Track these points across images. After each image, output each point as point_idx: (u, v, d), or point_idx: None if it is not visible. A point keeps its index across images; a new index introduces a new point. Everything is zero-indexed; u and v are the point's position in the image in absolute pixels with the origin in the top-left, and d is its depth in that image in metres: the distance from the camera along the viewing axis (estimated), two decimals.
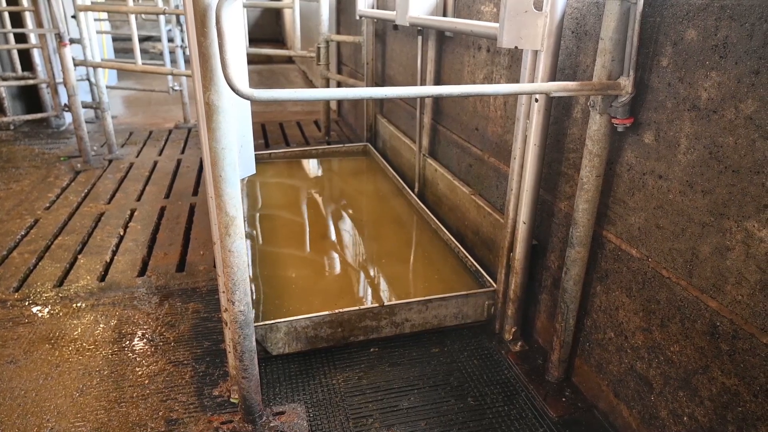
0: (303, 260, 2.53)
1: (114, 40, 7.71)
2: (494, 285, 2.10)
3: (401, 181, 3.31)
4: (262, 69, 9.06)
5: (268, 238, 2.73)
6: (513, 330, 2.01)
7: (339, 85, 4.94)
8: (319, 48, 4.32)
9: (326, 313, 1.90)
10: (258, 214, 3.01)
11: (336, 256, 2.60)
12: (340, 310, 1.91)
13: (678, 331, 1.35)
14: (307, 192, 3.38)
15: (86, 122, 4.13)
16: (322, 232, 2.84)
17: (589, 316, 1.71)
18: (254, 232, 2.80)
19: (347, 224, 2.93)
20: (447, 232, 2.61)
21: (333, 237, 2.78)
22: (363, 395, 1.77)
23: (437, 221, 2.73)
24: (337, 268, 2.48)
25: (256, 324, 1.82)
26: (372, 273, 2.43)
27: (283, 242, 2.69)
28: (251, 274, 2.34)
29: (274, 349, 1.89)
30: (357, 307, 1.94)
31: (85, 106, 4.19)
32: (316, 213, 3.08)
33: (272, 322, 1.85)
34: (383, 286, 2.34)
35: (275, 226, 2.88)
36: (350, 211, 3.09)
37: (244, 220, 2.76)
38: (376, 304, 1.96)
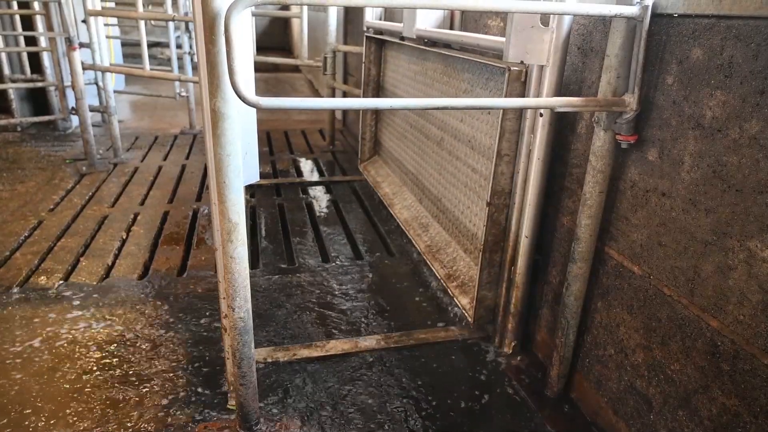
0: None
1: (123, 45, 7.77)
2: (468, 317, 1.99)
3: None
4: (269, 77, 9.11)
5: None
6: (512, 344, 2.00)
7: (345, 95, 4.96)
8: (326, 58, 4.35)
9: None
10: None
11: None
12: None
13: (679, 350, 1.35)
14: None
15: (93, 126, 4.15)
16: None
17: (589, 332, 1.70)
18: None
19: None
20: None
21: None
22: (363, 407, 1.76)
23: None
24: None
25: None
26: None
27: None
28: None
29: None
30: None
31: (92, 109, 4.21)
32: None
33: None
34: None
35: None
36: None
37: None
38: None
